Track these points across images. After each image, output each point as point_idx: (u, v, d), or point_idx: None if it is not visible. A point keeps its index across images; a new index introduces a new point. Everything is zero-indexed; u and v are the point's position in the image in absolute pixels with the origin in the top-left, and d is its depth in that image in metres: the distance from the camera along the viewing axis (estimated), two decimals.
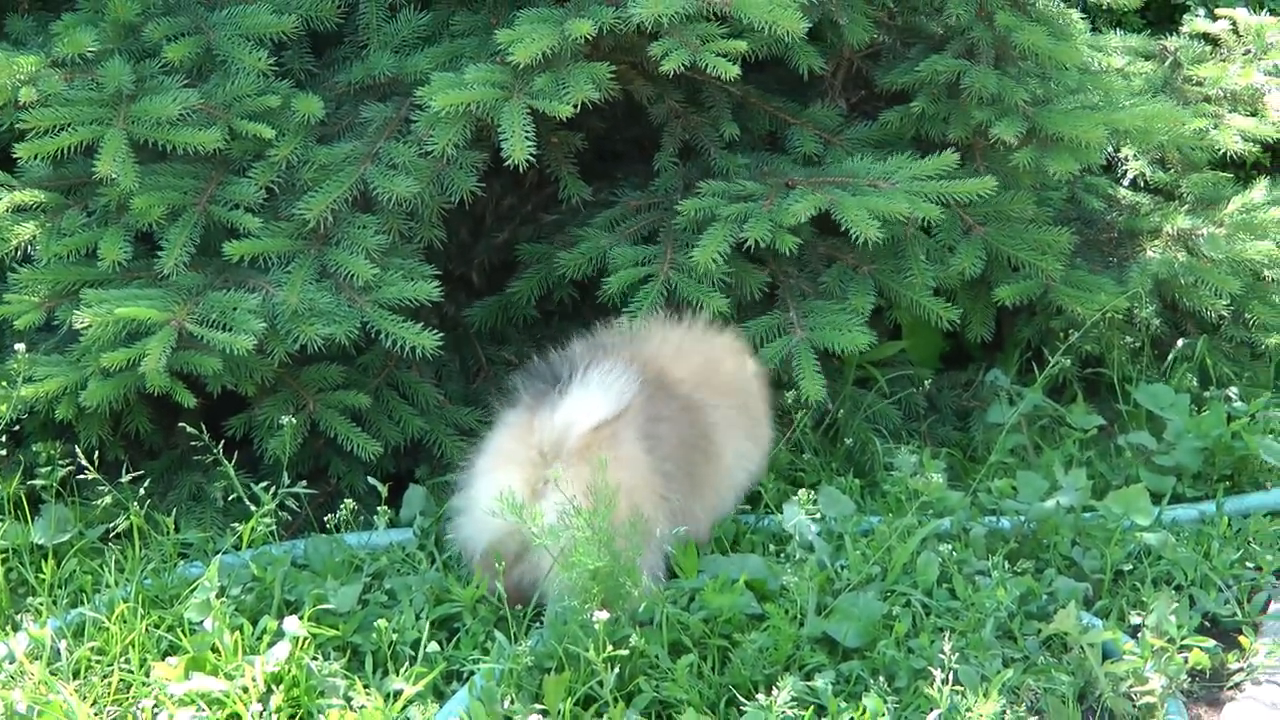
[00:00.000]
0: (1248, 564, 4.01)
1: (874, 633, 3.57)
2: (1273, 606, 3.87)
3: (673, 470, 3.70)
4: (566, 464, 3.51)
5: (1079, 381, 4.83)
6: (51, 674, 3.44)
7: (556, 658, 3.45)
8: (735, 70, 4.12)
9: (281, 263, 4.15)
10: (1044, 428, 4.69)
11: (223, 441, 4.00)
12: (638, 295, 4.31)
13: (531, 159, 4.11)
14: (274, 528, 3.92)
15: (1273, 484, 4.43)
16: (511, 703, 3.35)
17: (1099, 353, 4.84)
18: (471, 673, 3.49)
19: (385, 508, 3.93)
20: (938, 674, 3.23)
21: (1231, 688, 3.59)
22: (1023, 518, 4.10)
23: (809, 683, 3.43)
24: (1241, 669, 3.60)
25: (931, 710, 3.23)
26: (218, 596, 3.53)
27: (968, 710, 3.22)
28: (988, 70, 4.60)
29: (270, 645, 3.45)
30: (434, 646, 3.54)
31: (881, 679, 3.43)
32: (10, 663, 3.45)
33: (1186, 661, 3.47)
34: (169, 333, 3.88)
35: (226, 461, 3.91)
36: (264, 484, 3.90)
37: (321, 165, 4.26)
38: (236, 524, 3.89)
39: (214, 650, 3.45)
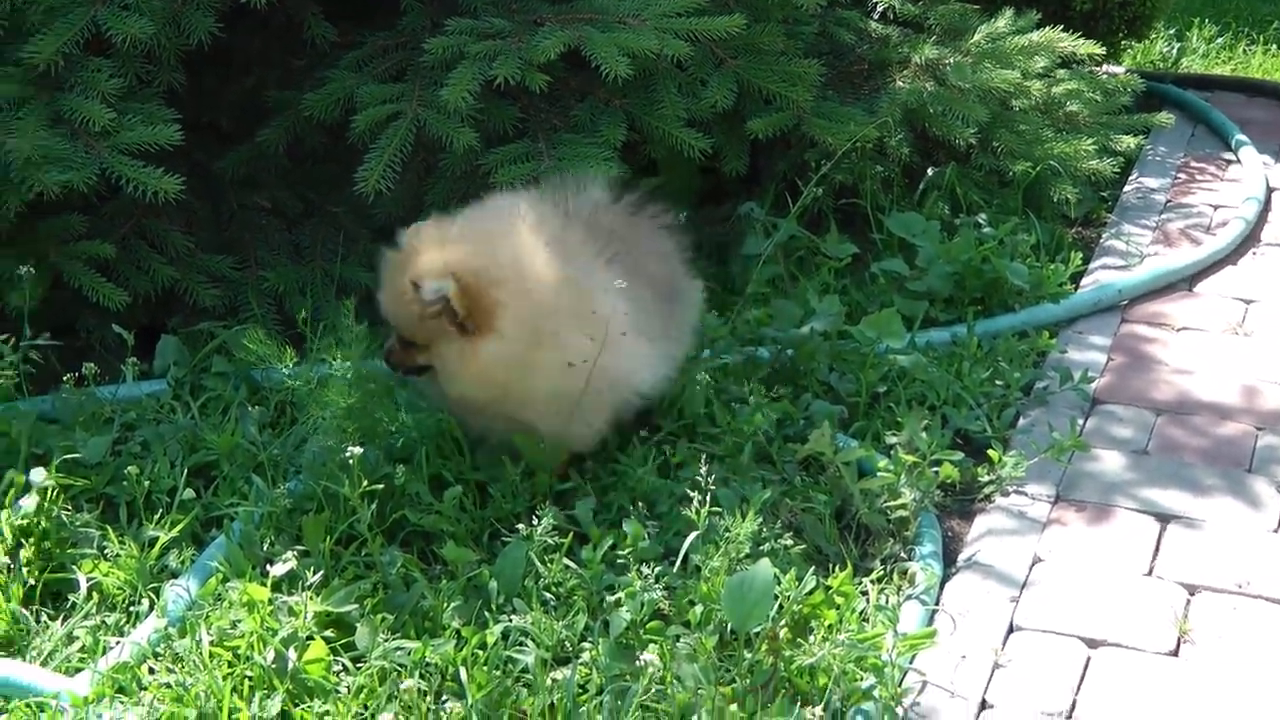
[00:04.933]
0: (997, 382, 4.11)
1: None
2: (1021, 421, 3.98)
3: None
4: None
5: (834, 212, 4.88)
6: None
7: (316, 498, 3.42)
8: None
9: (11, 109, 4.01)
10: (800, 258, 4.73)
11: None
12: (385, 133, 4.24)
13: None
14: (18, 382, 3.80)
15: (1020, 305, 4.53)
16: (270, 545, 3.31)
17: (852, 183, 4.89)
18: (231, 518, 3.44)
19: (134, 359, 3.84)
20: (696, 497, 3.25)
21: (982, 500, 3.68)
22: (779, 345, 4.15)
23: (569, 512, 3.44)
24: (991, 481, 3.69)
25: (691, 532, 3.26)
26: None
27: (726, 531, 3.25)
28: None
29: (17, 498, 3.36)
30: (190, 493, 3.47)
31: (641, 505, 3.46)
32: None
33: (938, 476, 3.55)
34: None
35: None
36: (4, 338, 3.77)
37: (49, 7, 4.11)
38: None
39: None
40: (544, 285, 3.39)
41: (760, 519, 3.32)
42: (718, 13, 4.51)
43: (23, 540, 3.30)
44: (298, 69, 4.66)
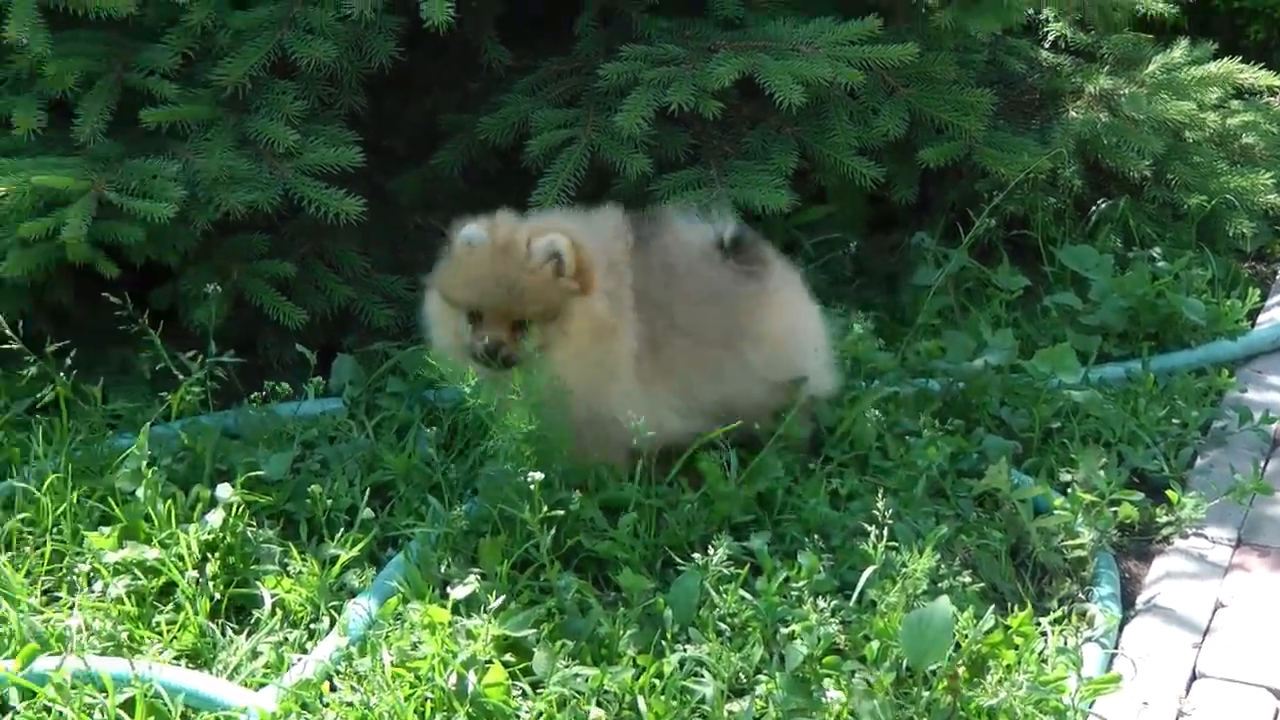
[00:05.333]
0: (1174, 420, 4.05)
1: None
2: (1199, 462, 3.92)
3: None
4: None
5: (1004, 243, 4.85)
6: None
7: (491, 521, 3.45)
8: None
9: (200, 130, 4.12)
10: (970, 290, 4.71)
11: (148, 313, 3.92)
12: (560, 158, 4.28)
13: (451, 22, 4.06)
14: (204, 398, 3.87)
15: (1197, 342, 4.47)
16: (447, 567, 3.35)
17: (1023, 214, 4.86)
18: (407, 538, 3.48)
19: (317, 378, 3.91)
20: (873, 532, 3.24)
21: (1160, 541, 3.63)
22: (951, 378, 4.12)
23: (744, 543, 3.44)
24: (1170, 523, 3.64)
25: (867, 566, 3.25)
26: (149, 466, 3.49)
27: (903, 566, 3.23)
28: None
29: (203, 513, 3.43)
30: (368, 513, 3.52)
31: (816, 537, 3.45)
32: None
33: (1116, 515, 3.51)
34: (88, 201, 3.83)
35: (153, 332, 3.85)
36: (191, 354, 3.85)
37: (238, 30, 4.21)
38: (167, 394, 3.83)
39: (147, 519, 3.42)
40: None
41: (936, 554, 3.30)
42: (891, 41, 4.50)
43: (208, 555, 3.36)
44: (473, 92, 4.72)
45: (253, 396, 3.85)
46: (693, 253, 3.72)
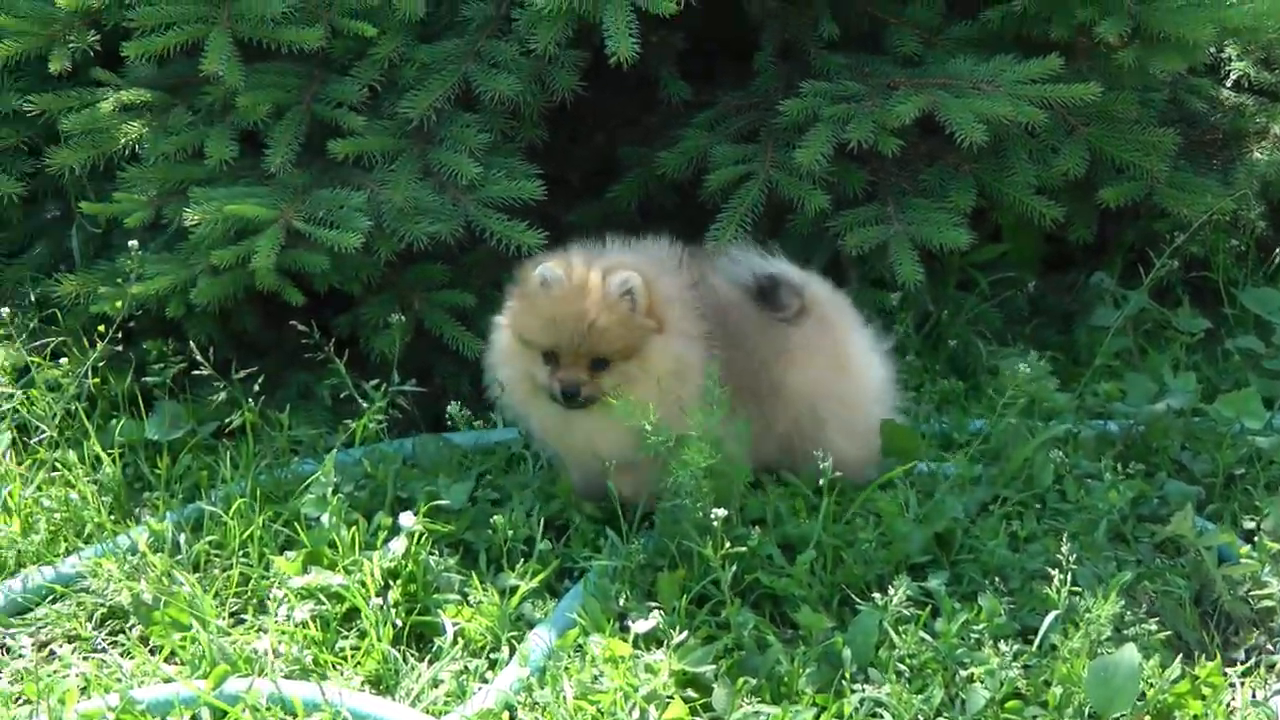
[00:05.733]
0: None
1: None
2: None
3: None
4: None
5: (1183, 285, 4.77)
6: (173, 566, 3.48)
7: (669, 555, 3.45)
8: None
9: (386, 161, 4.17)
10: (1147, 332, 4.64)
11: (332, 341, 3.99)
12: (737, 193, 4.28)
13: (635, 58, 4.08)
14: (384, 426, 3.92)
15: None
16: (625, 600, 3.36)
17: (1203, 255, 4.78)
18: (583, 570, 3.50)
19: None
20: (1055, 575, 3.21)
21: None
22: (1131, 421, 4.07)
23: (922, 584, 3.41)
24: None
25: (1047, 610, 3.21)
26: (333, 493, 3.54)
27: (1086, 611, 3.19)
28: None
29: (385, 540, 3.47)
30: (545, 544, 3.54)
31: (995, 580, 3.42)
32: (133, 554, 3.49)
33: None
34: (277, 230, 3.90)
35: (338, 360, 3.91)
36: (374, 382, 3.90)
37: (423, 64, 4.28)
38: (348, 421, 3.89)
39: (331, 545, 3.47)
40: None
41: (1121, 601, 3.25)
42: (1072, 79, 4.45)
43: (390, 582, 3.40)
44: (651, 127, 4.73)
45: (447, 421, 3.88)
46: (731, 294, 3.73)
